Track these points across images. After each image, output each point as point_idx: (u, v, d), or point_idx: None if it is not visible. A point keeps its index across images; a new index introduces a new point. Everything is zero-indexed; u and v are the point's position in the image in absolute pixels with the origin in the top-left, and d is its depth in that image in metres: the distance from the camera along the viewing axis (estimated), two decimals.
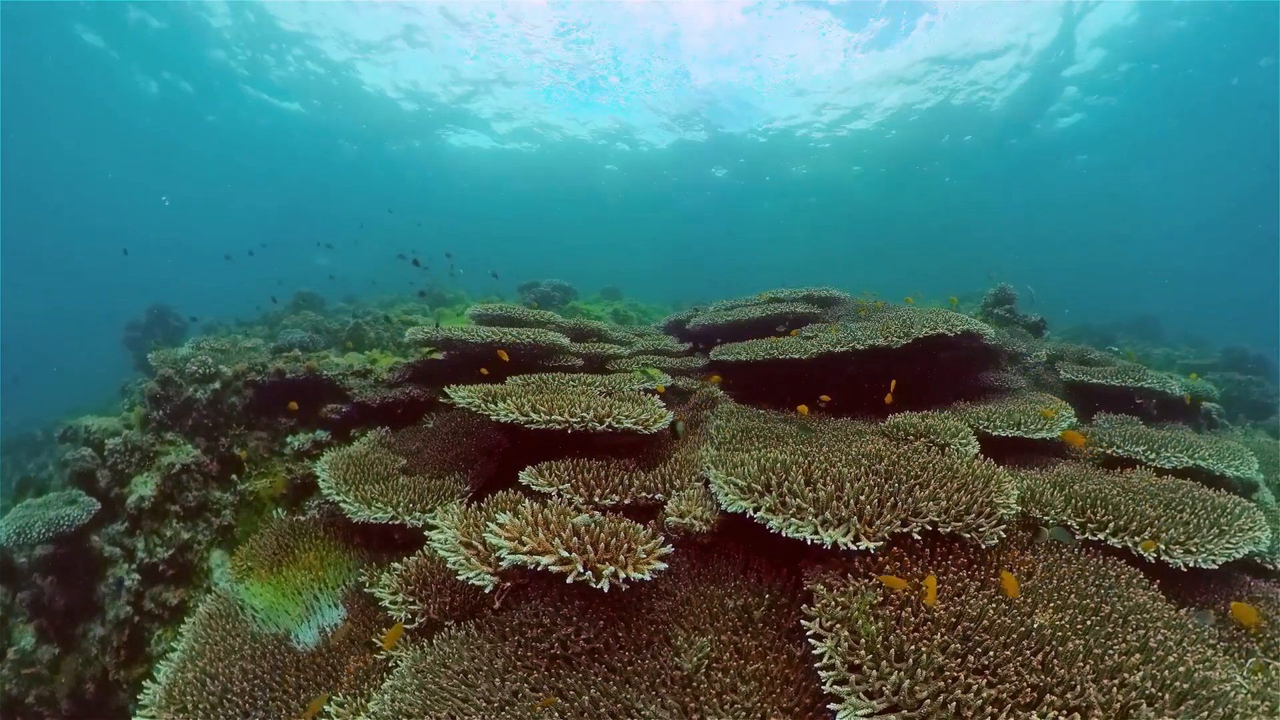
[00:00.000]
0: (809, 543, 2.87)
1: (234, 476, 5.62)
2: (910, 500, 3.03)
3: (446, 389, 4.60)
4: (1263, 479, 4.92)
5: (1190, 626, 2.79)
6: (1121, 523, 3.28)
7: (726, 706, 2.51)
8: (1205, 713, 2.18)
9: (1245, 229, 44.96)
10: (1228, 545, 3.21)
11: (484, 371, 5.79)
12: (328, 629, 3.60)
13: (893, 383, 4.66)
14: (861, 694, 2.22)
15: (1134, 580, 2.97)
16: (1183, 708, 2.20)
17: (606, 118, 30.33)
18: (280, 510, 5.23)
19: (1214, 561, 3.11)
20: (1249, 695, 2.41)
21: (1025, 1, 19.75)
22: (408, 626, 3.24)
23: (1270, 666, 2.90)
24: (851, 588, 2.72)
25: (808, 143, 32.47)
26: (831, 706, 2.25)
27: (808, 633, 2.58)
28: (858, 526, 2.89)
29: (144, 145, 33.28)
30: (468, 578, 3.02)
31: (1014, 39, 21.85)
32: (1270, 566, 3.69)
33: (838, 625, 2.52)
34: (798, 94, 27.20)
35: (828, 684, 2.31)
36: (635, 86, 27.06)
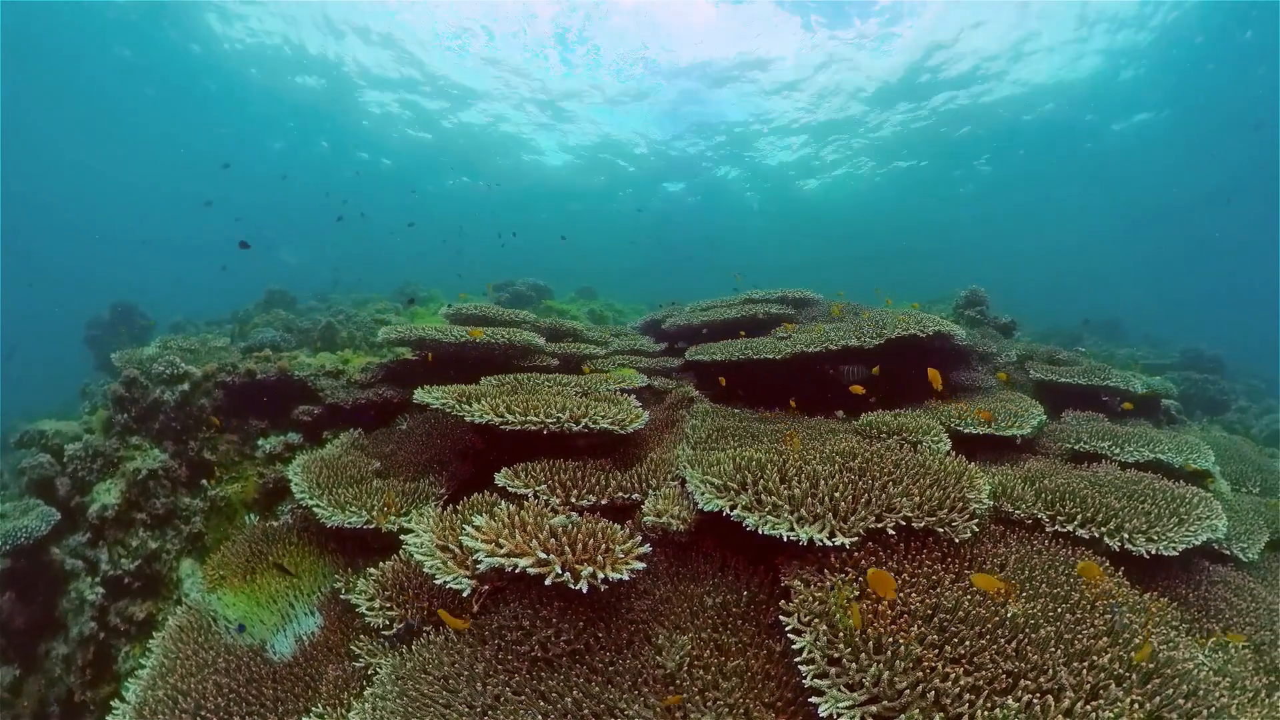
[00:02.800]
0: (785, 539, 2.89)
1: (204, 482, 5.47)
2: (884, 496, 3.08)
3: (419, 390, 4.55)
4: (1219, 470, 5.10)
5: (1154, 610, 2.90)
6: (1089, 515, 3.38)
7: (709, 704, 2.53)
8: (1170, 690, 2.27)
9: (1205, 237, 46.94)
10: (1187, 533, 3.35)
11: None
12: (305, 638, 3.53)
13: (860, 388, 4.76)
14: (842, 686, 2.26)
15: (1101, 568, 3.07)
16: (1149, 686, 2.29)
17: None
18: (253, 516, 5.11)
19: (1175, 549, 3.24)
20: (1210, 672, 2.52)
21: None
22: (385, 633, 3.20)
23: (1230, 645, 3.04)
24: (828, 583, 2.75)
25: (785, 144, 32.86)
26: (813, 700, 2.28)
27: (787, 628, 2.61)
28: (833, 523, 2.93)
29: (111, 131, 31.99)
30: (445, 582, 2.99)
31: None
32: (1226, 552, 3.89)
33: (816, 620, 2.55)
34: (777, 96, 27.49)
35: (808, 678, 2.34)
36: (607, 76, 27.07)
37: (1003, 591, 2.61)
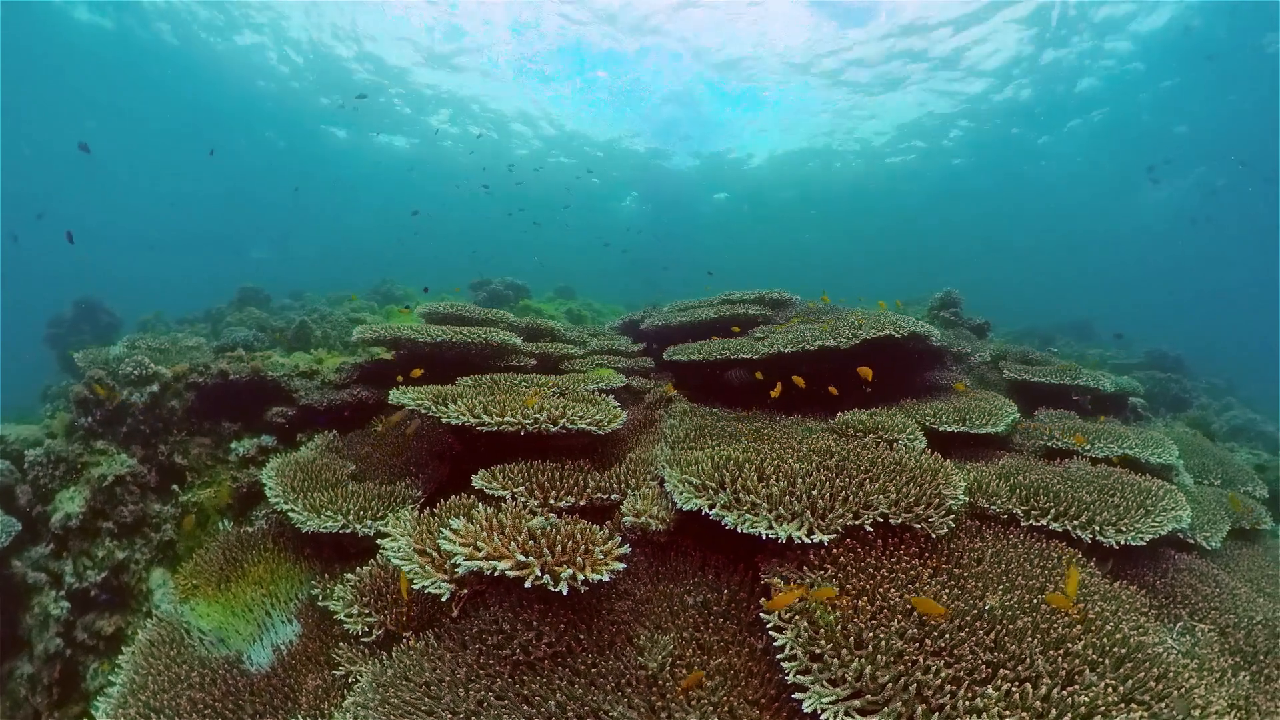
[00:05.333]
0: (764, 538, 2.91)
1: (175, 487, 5.33)
2: (861, 494, 3.11)
3: (395, 391, 4.49)
4: (1182, 464, 5.27)
5: (1124, 598, 2.99)
6: (1062, 508, 3.47)
7: (693, 703, 2.53)
8: (1141, 673, 2.34)
9: (1167, 244, 48.60)
10: (1154, 524, 3.46)
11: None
12: (282, 647, 3.45)
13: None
14: (825, 682, 2.27)
15: (1074, 560, 3.16)
16: (1121, 670, 2.36)
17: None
18: (226, 522, 4.99)
19: (1142, 539, 3.35)
20: (1179, 655, 2.62)
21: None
22: (365, 640, 3.15)
23: (1196, 629, 3.15)
24: (808, 580, 2.77)
25: (763, 147, 33.14)
26: (797, 696, 2.29)
27: (768, 625, 2.62)
28: (811, 520, 2.95)
29: (72, 116, 30.77)
30: (424, 586, 2.95)
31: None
32: (1191, 541, 4.07)
33: (797, 617, 2.57)
34: (756, 98, 27.70)
35: (791, 674, 2.36)
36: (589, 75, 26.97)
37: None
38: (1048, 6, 20.09)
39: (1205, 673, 2.70)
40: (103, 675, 4.49)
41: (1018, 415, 5.18)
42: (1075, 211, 45.98)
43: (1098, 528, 3.37)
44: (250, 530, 4.46)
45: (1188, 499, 3.96)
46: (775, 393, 4.74)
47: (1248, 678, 2.87)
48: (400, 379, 5.61)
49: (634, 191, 42.72)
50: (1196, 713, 2.24)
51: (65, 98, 27.94)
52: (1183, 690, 2.32)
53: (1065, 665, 2.33)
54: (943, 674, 2.23)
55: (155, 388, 5.68)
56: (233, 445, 5.58)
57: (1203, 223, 32.02)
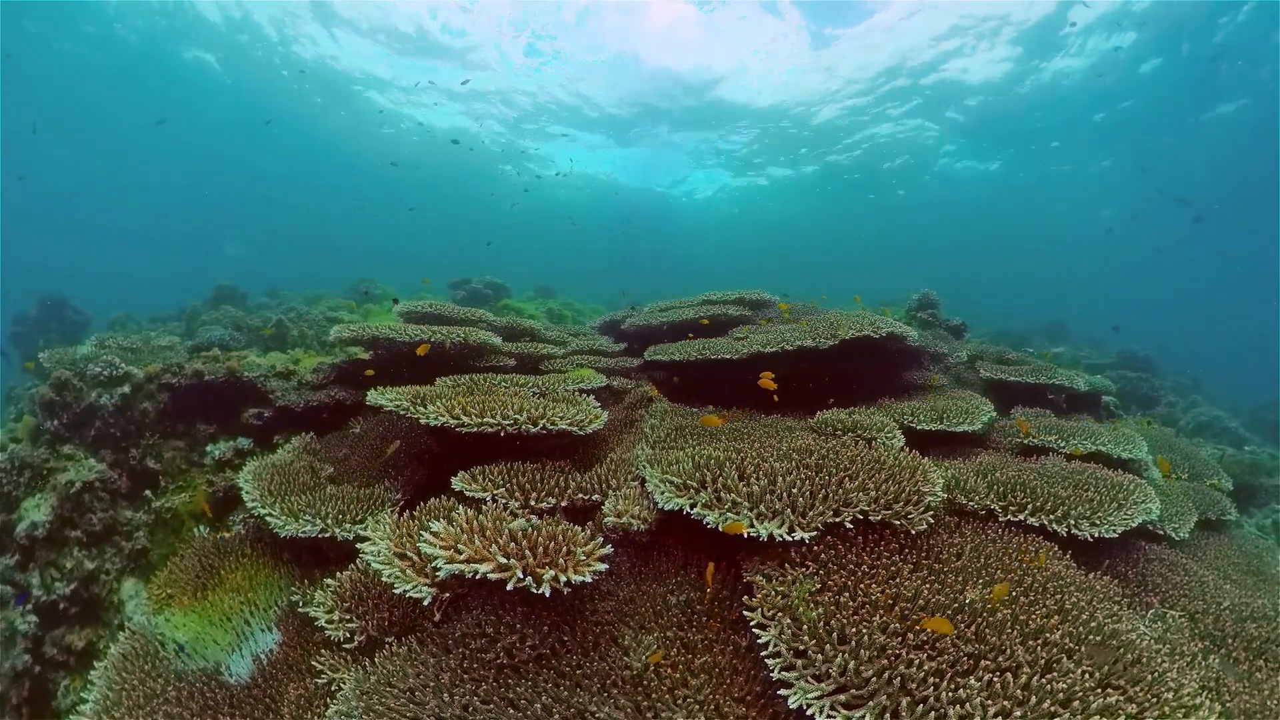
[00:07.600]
0: (745, 536, 2.93)
1: (148, 493, 5.20)
2: (841, 491, 3.14)
3: (372, 391, 4.43)
4: (1151, 459, 5.41)
5: (1098, 587, 3.07)
6: (1038, 504, 3.55)
7: (679, 701, 2.53)
8: (1116, 659, 2.41)
9: (1139, 249, 49.95)
10: (1125, 516, 3.57)
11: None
12: (263, 656, 3.37)
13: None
14: (810, 678, 2.29)
15: (1050, 553, 3.24)
16: (1097, 657, 2.41)
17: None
18: (202, 527, 4.88)
19: (1115, 531, 3.46)
20: (1151, 641, 2.71)
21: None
22: (347, 646, 3.11)
23: (1167, 615, 3.24)
24: (790, 577, 2.80)
25: (743, 152, 33.32)
26: (782, 692, 2.31)
27: (751, 623, 2.64)
28: (792, 518, 2.97)
29: (38, 107, 29.75)
30: (405, 590, 2.92)
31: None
32: (1160, 532, 4.19)
33: (780, 614, 2.59)
34: (742, 101, 27.83)
35: (775, 671, 2.37)
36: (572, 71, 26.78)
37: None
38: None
39: (1177, 657, 2.79)
40: (74, 692, 4.35)
41: (994, 414, 5.27)
42: (1049, 217, 47.03)
43: (1072, 521, 3.45)
44: (227, 536, 4.37)
45: (1157, 492, 4.10)
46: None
47: (1217, 660, 2.98)
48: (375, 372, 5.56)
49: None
50: (1170, 694, 2.30)
51: (20, 85, 26.93)
52: (1156, 674, 2.39)
53: (1044, 654, 2.39)
54: (926, 667, 2.27)
55: (126, 389, 5.54)
56: (208, 448, 5.46)
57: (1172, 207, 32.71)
